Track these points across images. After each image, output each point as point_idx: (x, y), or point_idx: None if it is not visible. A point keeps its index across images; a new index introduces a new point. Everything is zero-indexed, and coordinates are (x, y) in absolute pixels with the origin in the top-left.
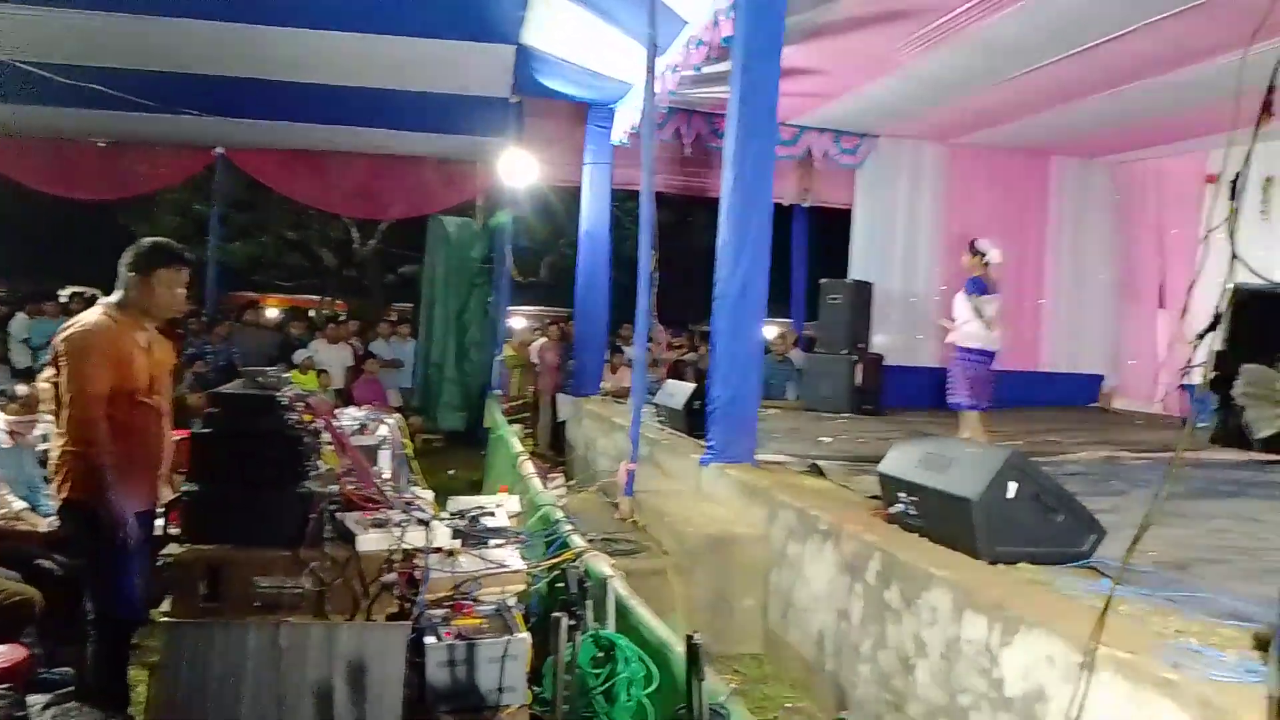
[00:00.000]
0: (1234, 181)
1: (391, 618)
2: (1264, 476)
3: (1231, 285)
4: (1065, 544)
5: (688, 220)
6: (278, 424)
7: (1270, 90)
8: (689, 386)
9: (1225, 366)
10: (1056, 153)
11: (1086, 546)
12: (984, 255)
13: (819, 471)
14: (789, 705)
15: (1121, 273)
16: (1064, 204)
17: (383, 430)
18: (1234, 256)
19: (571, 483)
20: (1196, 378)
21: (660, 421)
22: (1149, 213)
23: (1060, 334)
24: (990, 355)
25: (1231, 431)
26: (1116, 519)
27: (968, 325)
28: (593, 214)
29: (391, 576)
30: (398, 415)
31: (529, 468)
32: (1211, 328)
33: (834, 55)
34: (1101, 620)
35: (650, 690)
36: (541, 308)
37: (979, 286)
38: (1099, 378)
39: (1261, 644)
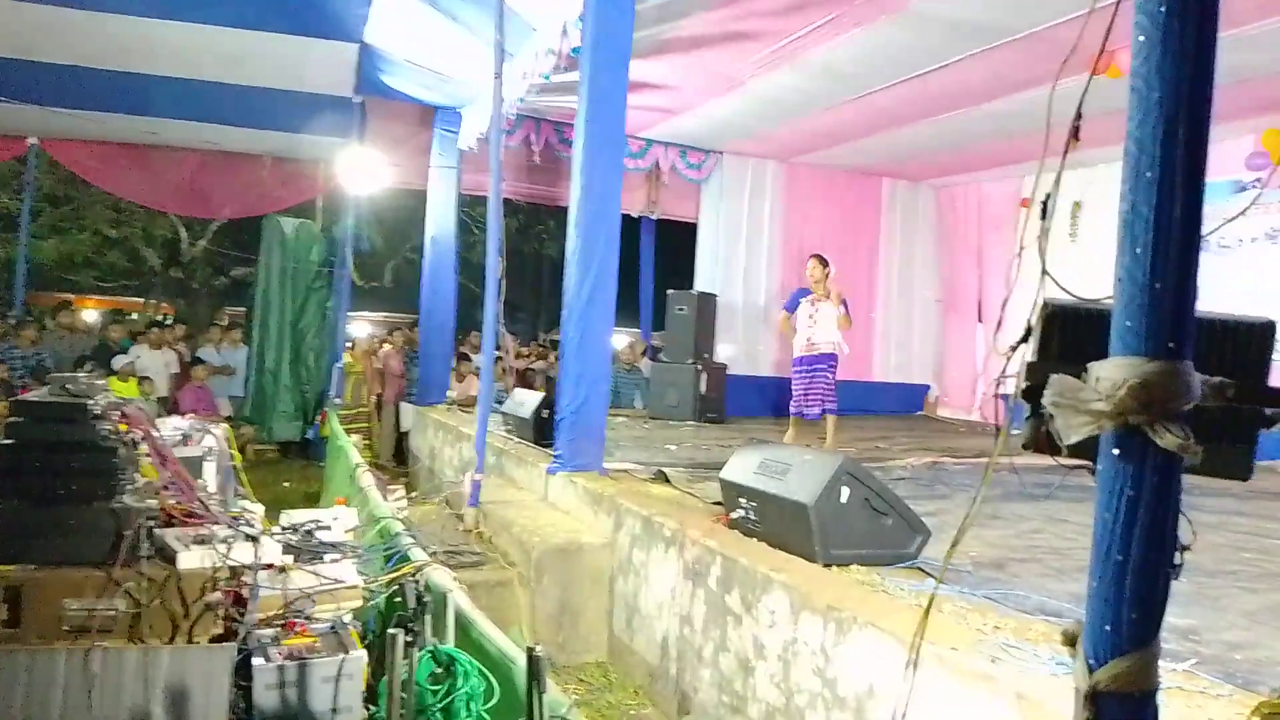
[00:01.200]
0: (1044, 202)
1: (216, 639)
2: (1071, 480)
3: (1042, 300)
4: (894, 546)
5: (537, 228)
6: (88, 434)
7: (1077, 118)
8: (537, 395)
9: (1036, 377)
10: (887, 174)
11: (914, 548)
12: (833, 267)
13: (665, 479)
14: (633, 712)
15: (944, 288)
16: (893, 223)
17: (209, 441)
18: (1044, 273)
19: (414, 494)
20: (1010, 387)
21: (508, 431)
22: (969, 233)
23: (889, 346)
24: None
25: (1042, 438)
26: (941, 521)
27: (837, 339)
28: (439, 219)
29: (216, 596)
30: (226, 425)
31: (368, 479)
32: (1024, 340)
33: (681, 71)
34: (925, 619)
35: (491, 705)
36: (385, 314)
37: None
38: (925, 387)
39: (1070, 639)
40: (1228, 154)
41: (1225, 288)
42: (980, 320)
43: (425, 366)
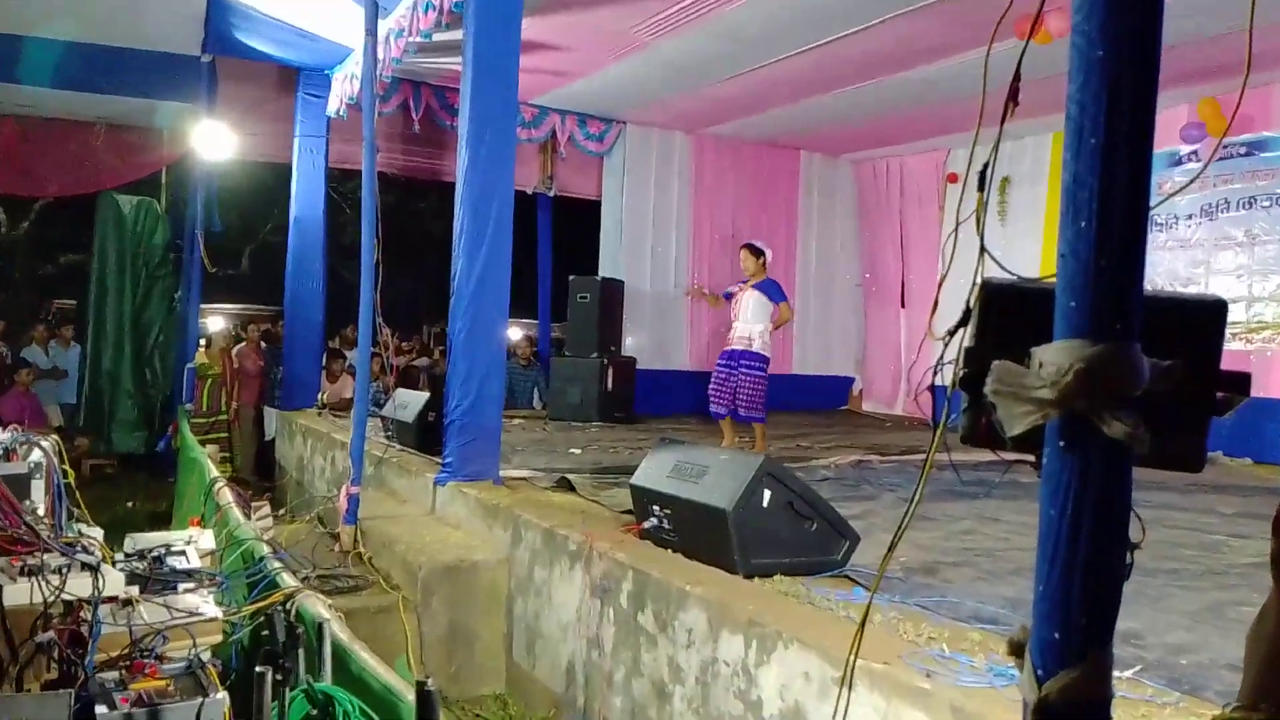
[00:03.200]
0: (982, 172)
1: (50, 685)
2: (1008, 476)
3: (980, 280)
4: (820, 553)
5: (419, 206)
6: None
7: (1016, 78)
8: (422, 395)
9: (975, 363)
10: (804, 147)
11: (840, 554)
12: (767, 255)
13: (568, 486)
14: None
15: (865, 272)
16: (811, 200)
17: (35, 455)
18: (982, 250)
19: (281, 512)
20: (946, 376)
21: (389, 437)
22: (890, 211)
23: (809, 336)
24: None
25: (982, 430)
26: (868, 524)
27: (766, 333)
28: (304, 196)
29: (48, 635)
30: (56, 437)
31: (227, 496)
32: (962, 324)
33: (577, 31)
34: (859, 633)
35: None
36: (244, 305)
37: (781, 290)
38: (848, 380)
39: (1015, 649)
40: (1163, 125)
41: (1158, 267)
42: (903, 305)
43: (291, 365)
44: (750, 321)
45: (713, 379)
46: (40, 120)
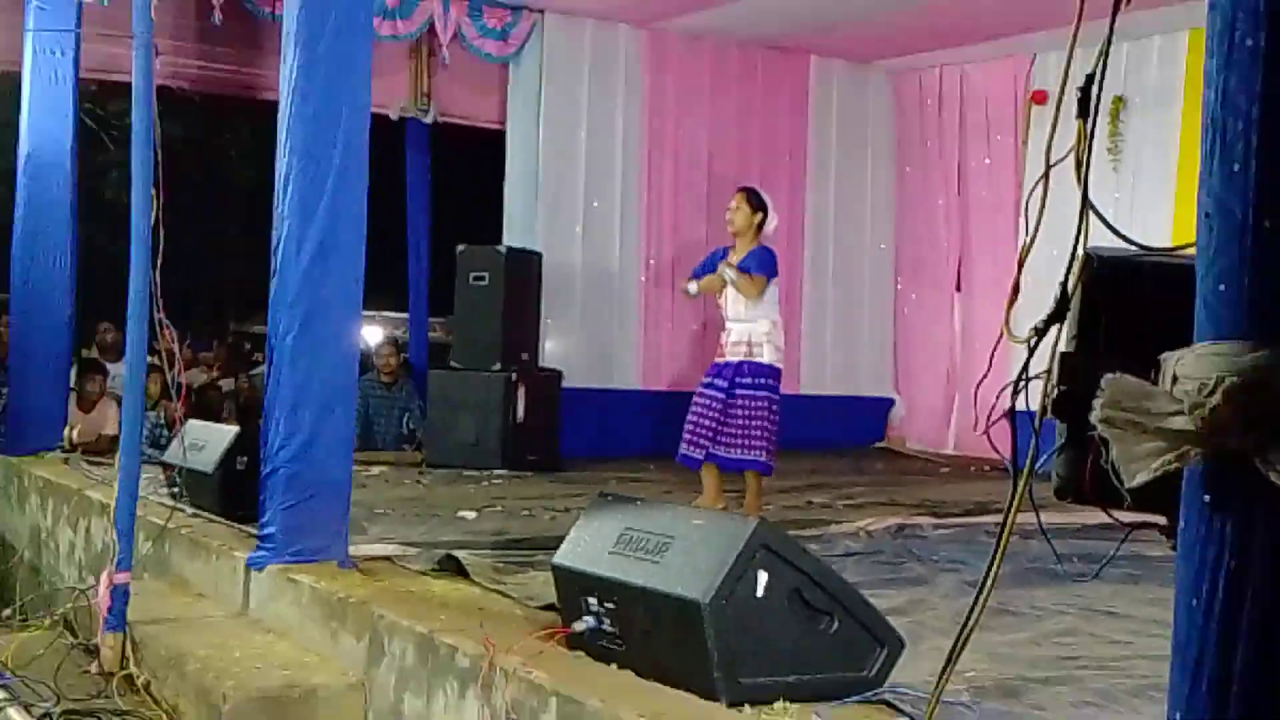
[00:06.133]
0: (1084, 91)
1: None
2: (1127, 548)
3: (1082, 254)
4: (842, 666)
5: (223, 139)
6: None
7: None
8: (227, 432)
9: (1076, 378)
10: (815, 50)
11: (875, 669)
12: (769, 215)
13: (456, 568)
14: None
15: (901, 242)
16: (827, 130)
17: None
18: (1085, 206)
19: (7, 614)
20: (1032, 398)
21: (175, 495)
22: (946, 147)
23: (825, 337)
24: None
25: (1088, 479)
26: (916, 622)
27: (773, 332)
28: (42, 123)
29: None
30: None
31: None
32: (1055, 318)
33: None
34: None
35: None
36: None
37: (772, 261)
38: (886, 402)
39: None
40: None
41: None
42: (958, 289)
43: (20, 386)
44: (752, 315)
45: (693, 406)
46: None
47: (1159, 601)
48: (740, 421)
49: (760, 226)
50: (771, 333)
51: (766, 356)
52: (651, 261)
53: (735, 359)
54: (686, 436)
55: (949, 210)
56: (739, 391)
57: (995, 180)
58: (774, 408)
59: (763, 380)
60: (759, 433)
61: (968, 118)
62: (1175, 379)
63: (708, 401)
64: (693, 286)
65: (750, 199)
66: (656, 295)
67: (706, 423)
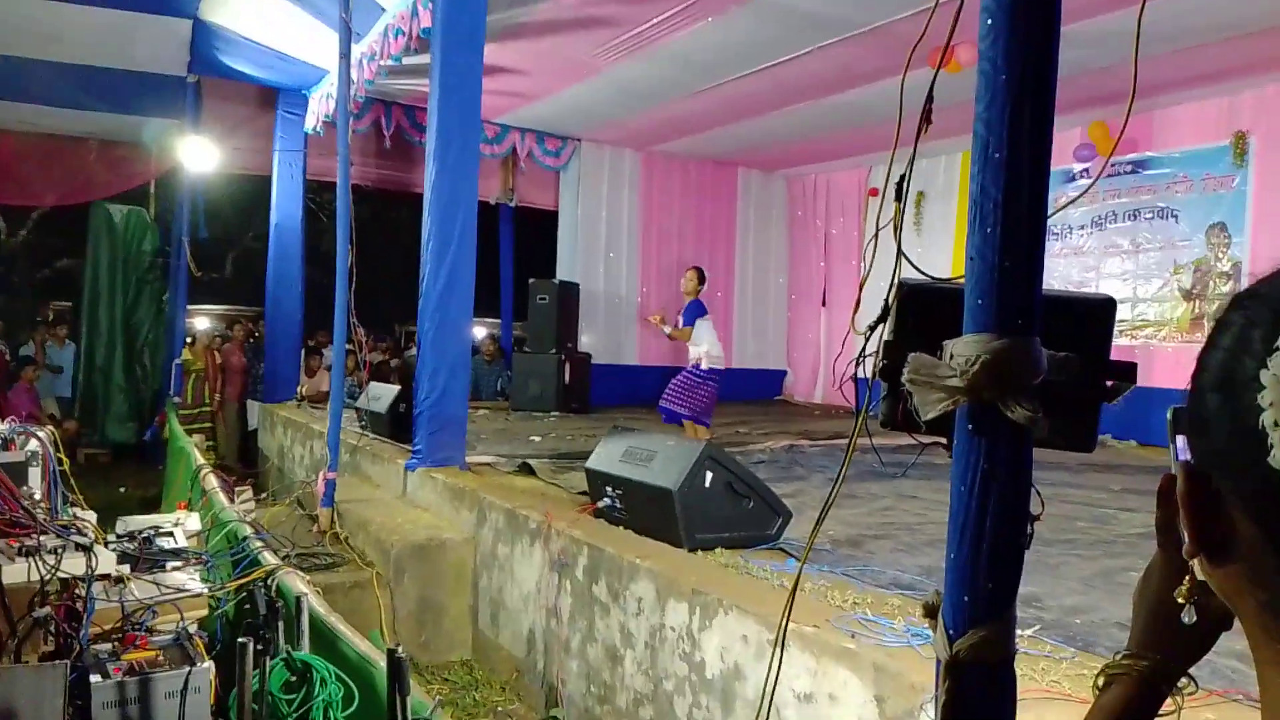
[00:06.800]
0: (900, 185)
1: (47, 657)
2: (923, 458)
3: (898, 280)
4: (756, 528)
5: (391, 216)
6: None
7: (929, 101)
8: (394, 389)
9: (894, 355)
10: (742, 164)
11: (775, 529)
12: (703, 281)
13: (529, 470)
14: (500, 709)
15: (793, 275)
16: (748, 212)
17: (33, 445)
18: (899, 254)
19: (263, 496)
20: (867, 368)
21: (362, 427)
22: (816, 221)
23: (747, 333)
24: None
25: (900, 416)
26: (800, 502)
27: (710, 351)
28: (284, 205)
29: (45, 610)
30: (52, 428)
31: (212, 481)
32: (882, 319)
33: (535, 56)
34: (791, 598)
35: (351, 711)
36: (229, 306)
37: (697, 311)
38: (782, 373)
39: (930, 611)
40: (1058, 145)
41: (1054, 272)
42: (824, 305)
43: (272, 361)
44: (695, 343)
45: (670, 384)
46: (38, 136)
47: (942, 490)
48: (687, 393)
49: (699, 288)
50: (709, 351)
51: (704, 365)
52: (644, 289)
53: (690, 364)
54: (664, 398)
55: (820, 258)
56: (689, 379)
57: (846, 240)
58: (708, 388)
59: (702, 376)
60: (697, 402)
61: (831, 204)
62: (952, 356)
63: (675, 382)
64: (667, 329)
65: (699, 275)
66: (645, 308)
67: (673, 393)
